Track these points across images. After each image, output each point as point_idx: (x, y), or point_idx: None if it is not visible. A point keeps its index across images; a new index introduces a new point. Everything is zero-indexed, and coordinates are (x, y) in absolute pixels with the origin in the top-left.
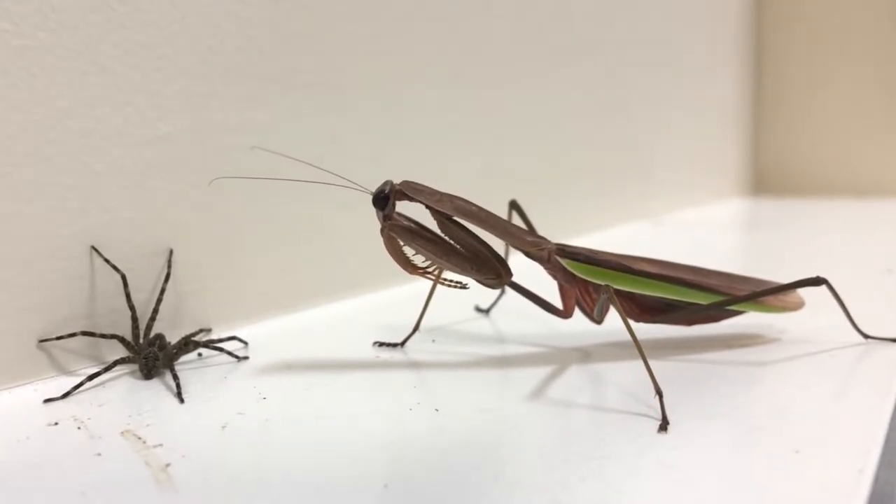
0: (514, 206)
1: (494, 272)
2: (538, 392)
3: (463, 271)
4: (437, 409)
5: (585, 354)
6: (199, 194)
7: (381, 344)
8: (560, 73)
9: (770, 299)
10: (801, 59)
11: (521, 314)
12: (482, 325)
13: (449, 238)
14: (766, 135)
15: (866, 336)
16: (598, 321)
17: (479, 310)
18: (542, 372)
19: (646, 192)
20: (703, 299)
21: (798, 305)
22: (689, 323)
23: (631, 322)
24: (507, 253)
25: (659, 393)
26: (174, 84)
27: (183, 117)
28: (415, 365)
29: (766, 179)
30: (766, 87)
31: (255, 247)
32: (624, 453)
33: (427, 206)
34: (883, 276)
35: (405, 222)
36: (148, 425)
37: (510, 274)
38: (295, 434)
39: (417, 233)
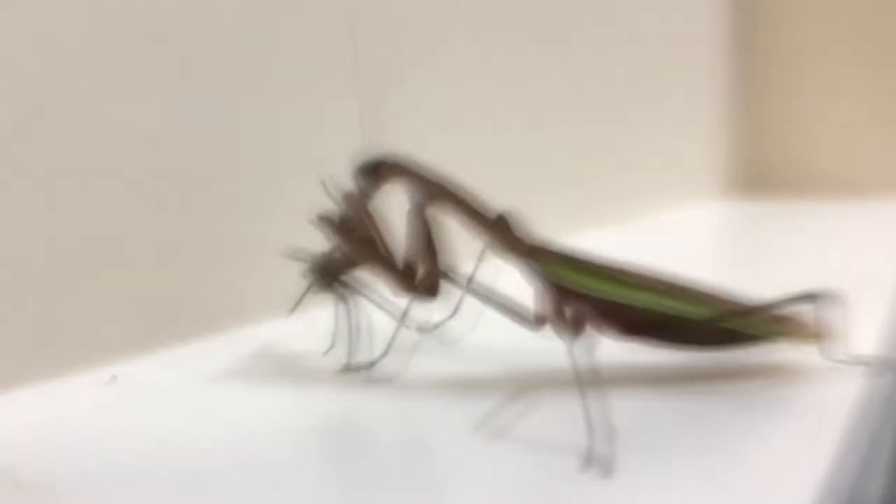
0: None
1: (409, 283)
2: (480, 424)
3: (378, 274)
4: (418, 427)
5: (545, 378)
6: (188, 198)
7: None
8: (535, 73)
9: (792, 325)
10: (781, 54)
11: (504, 329)
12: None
13: (411, 230)
14: (745, 134)
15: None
16: (574, 336)
17: (421, 330)
18: (515, 393)
19: (616, 194)
20: (704, 311)
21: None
22: (698, 343)
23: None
24: (483, 251)
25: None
26: (160, 88)
27: (170, 121)
28: (393, 383)
29: (744, 180)
30: (744, 86)
31: (245, 252)
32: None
33: (412, 186)
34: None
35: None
36: None
37: (434, 294)
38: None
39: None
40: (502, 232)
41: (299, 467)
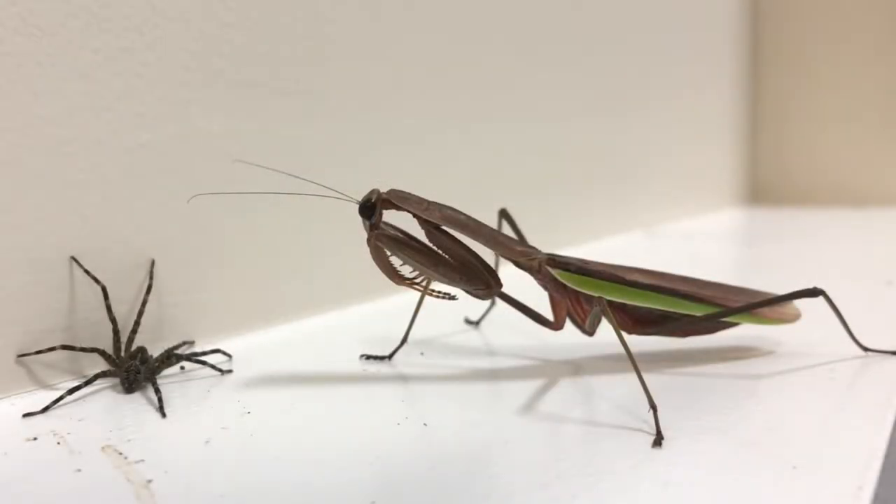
0: (503, 214)
1: (484, 282)
2: (529, 406)
3: (451, 282)
4: (425, 424)
5: (577, 367)
6: (182, 204)
7: (369, 357)
8: (551, 79)
9: (766, 311)
10: (798, 66)
11: (512, 326)
12: (472, 337)
13: (437, 248)
14: (763, 143)
15: (865, 349)
16: (590, 333)
17: (468, 322)
18: (533, 385)
19: (640, 202)
20: (697, 311)
21: (794, 317)
22: (684, 335)
23: (624, 334)
24: (496, 263)
25: (653, 407)
26: (156, 91)
27: (165, 125)
28: (402, 378)
29: (762, 189)
30: (763, 95)
31: (239, 257)
32: (618, 469)
33: (414, 215)
34: (883, 287)
35: (392, 232)
36: (129, 440)
37: (500, 284)
38: (279, 449)
39: (405, 242)
40: (517, 246)
41: None
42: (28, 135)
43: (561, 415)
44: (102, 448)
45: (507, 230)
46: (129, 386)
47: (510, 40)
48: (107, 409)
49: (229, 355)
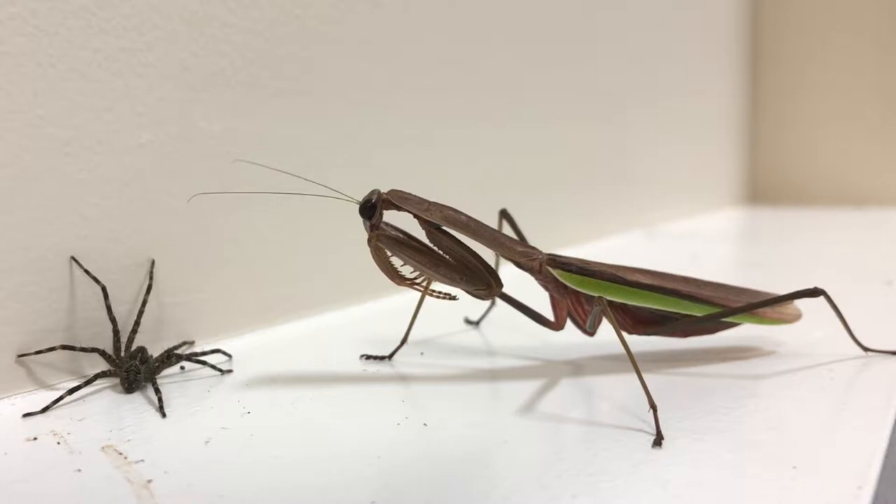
0: (504, 215)
1: (484, 283)
2: (529, 406)
3: (452, 282)
4: (425, 424)
5: (577, 367)
6: (182, 204)
7: (368, 357)
8: (551, 79)
9: (766, 311)
10: (798, 66)
11: (512, 326)
12: (472, 337)
13: (437, 248)
14: (763, 143)
15: (866, 349)
16: (591, 333)
17: (468, 322)
18: (533, 386)
19: (640, 202)
20: (697, 311)
21: (795, 317)
22: (685, 335)
23: (624, 334)
24: (497, 263)
25: (653, 407)
26: (156, 91)
27: (165, 125)
28: (402, 378)
29: (762, 188)
30: (763, 95)
31: (239, 257)
32: (618, 469)
33: (415, 216)
34: (883, 287)
35: (392, 232)
36: (129, 440)
37: (500, 285)
38: (280, 449)
39: (405, 243)
40: (518, 246)
41: None
42: (28, 135)
43: (561, 415)
44: (102, 448)
45: (507, 230)
46: (129, 386)
47: (510, 40)
48: (107, 409)
49: (229, 355)
